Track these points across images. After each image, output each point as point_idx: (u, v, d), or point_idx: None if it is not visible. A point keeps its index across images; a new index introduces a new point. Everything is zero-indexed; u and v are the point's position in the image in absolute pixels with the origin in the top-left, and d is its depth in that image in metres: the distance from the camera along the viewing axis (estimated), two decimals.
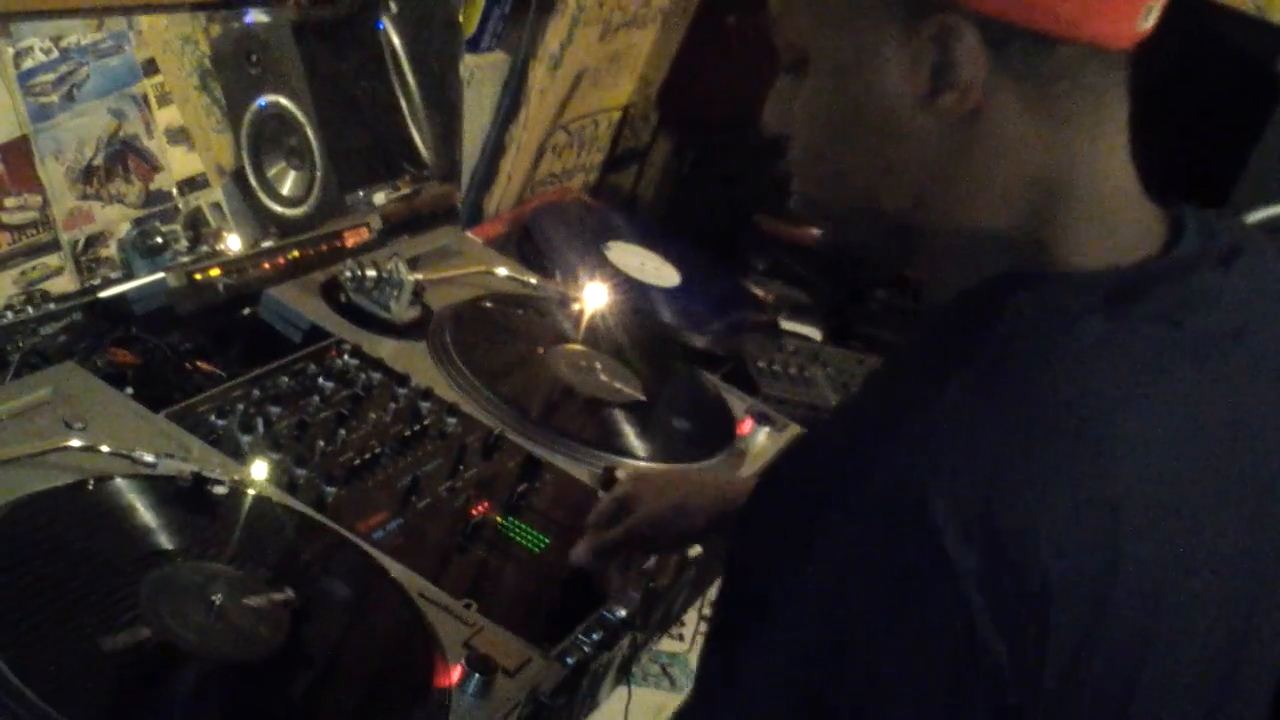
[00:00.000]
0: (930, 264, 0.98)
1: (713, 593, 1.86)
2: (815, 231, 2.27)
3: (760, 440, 1.84)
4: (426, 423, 1.55)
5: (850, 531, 0.80)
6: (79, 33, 1.60)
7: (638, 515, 1.43)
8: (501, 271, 2.01)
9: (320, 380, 1.54)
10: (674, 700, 1.67)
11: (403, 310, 1.74)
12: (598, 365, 1.83)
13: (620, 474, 1.56)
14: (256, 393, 1.47)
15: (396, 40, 2.06)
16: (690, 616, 1.79)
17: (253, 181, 1.86)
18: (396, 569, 1.30)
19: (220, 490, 1.27)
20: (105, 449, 1.26)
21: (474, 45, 2.28)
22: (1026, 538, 0.79)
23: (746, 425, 1.85)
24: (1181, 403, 0.87)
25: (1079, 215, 0.91)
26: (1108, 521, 0.81)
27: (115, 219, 1.68)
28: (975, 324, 0.88)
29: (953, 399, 0.83)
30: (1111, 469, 0.82)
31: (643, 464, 1.65)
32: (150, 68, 1.71)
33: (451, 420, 1.57)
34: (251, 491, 1.30)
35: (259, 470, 1.34)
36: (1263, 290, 0.93)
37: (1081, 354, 0.85)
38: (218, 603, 1.13)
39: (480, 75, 2.31)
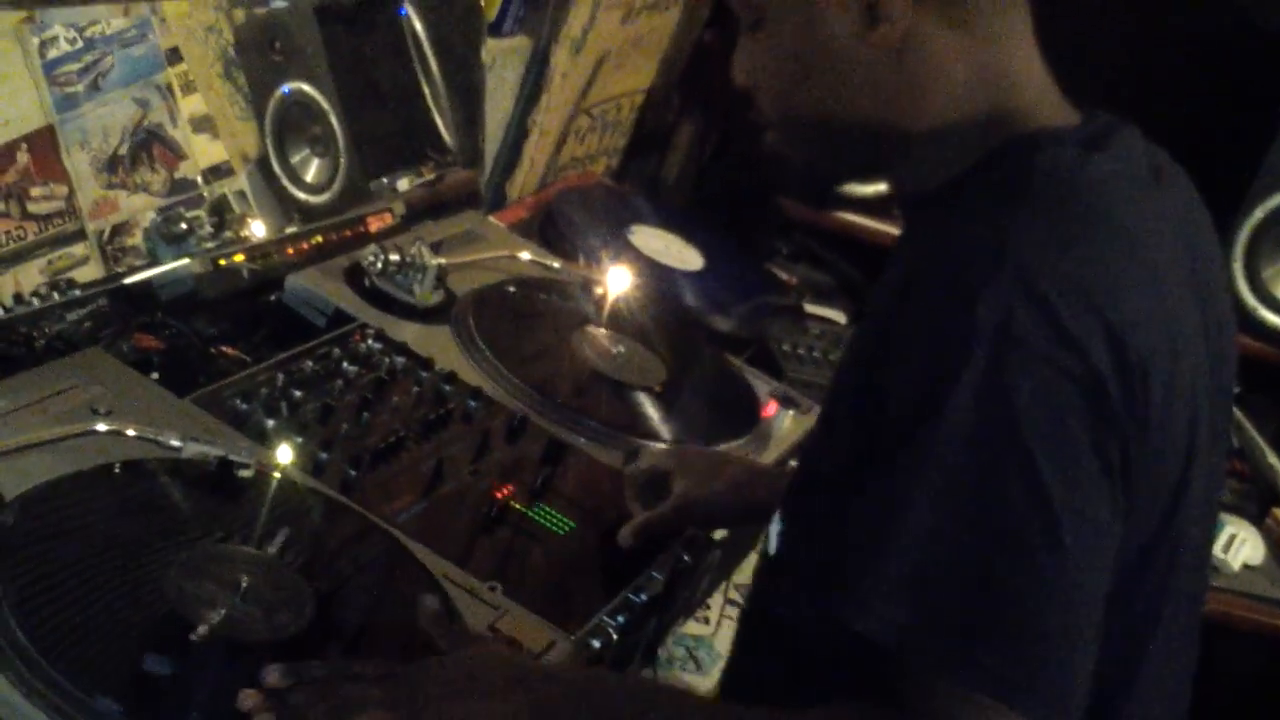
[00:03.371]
0: (902, 168, 1.17)
1: (737, 577, 1.86)
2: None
3: (785, 424, 1.83)
4: (450, 406, 1.55)
5: (988, 359, 0.94)
6: (103, 21, 1.61)
7: (681, 494, 1.47)
8: (525, 256, 2.01)
9: (344, 364, 1.55)
10: (700, 683, 1.67)
11: (426, 294, 1.74)
12: (621, 349, 1.83)
13: (642, 452, 1.57)
14: (281, 377, 1.48)
15: (419, 25, 2.06)
16: (715, 599, 1.79)
17: (277, 169, 1.87)
18: (421, 552, 1.31)
19: (245, 474, 1.27)
20: (131, 433, 1.27)
21: (496, 29, 2.28)
22: (1123, 320, 0.98)
23: (771, 408, 1.84)
24: (1166, 217, 1.11)
25: (1029, 96, 1.11)
26: (1167, 310, 1.05)
27: (141, 208, 1.69)
28: (1015, 179, 1.05)
29: (1031, 233, 1.00)
30: (1162, 274, 1.06)
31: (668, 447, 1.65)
32: (174, 56, 1.72)
33: (475, 404, 1.58)
34: (277, 475, 1.31)
35: (284, 454, 1.35)
36: (1145, 150, 1.15)
37: (1104, 183, 1.06)
38: (244, 585, 1.13)
39: (502, 60, 2.31)
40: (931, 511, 0.93)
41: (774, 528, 1.19)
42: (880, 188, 2.79)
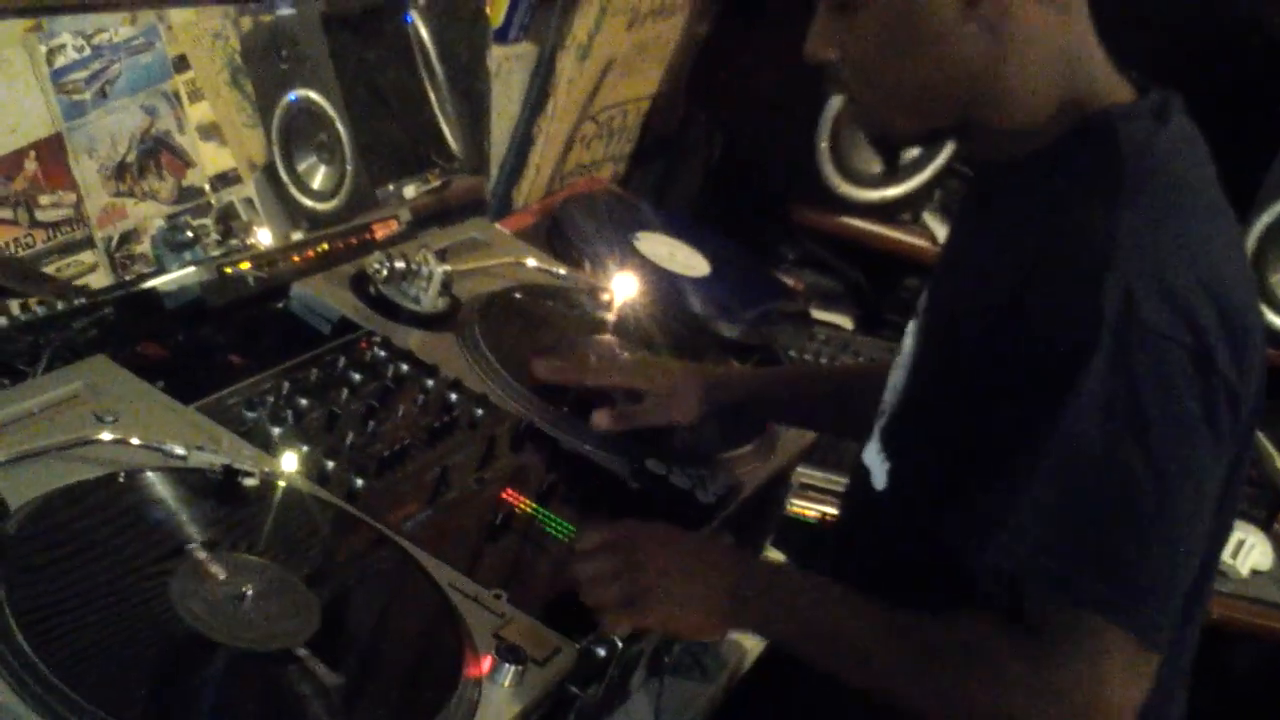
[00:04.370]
0: (983, 135, 1.28)
1: None
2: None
3: (791, 430, 1.83)
4: (456, 414, 1.55)
5: (1114, 339, 1.10)
6: (111, 29, 1.61)
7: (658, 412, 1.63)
8: (530, 263, 2.01)
9: (350, 372, 1.55)
10: (705, 691, 1.67)
11: (432, 302, 1.74)
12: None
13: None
14: (286, 385, 1.48)
15: (425, 32, 2.07)
16: None
17: (284, 176, 1.87)
18: (427, 560, 1.31)
19: (251, 482, 1.28)
20: (136, 441, 1.27)
21: (501, 36, 2.28)
22: (1223, 288, 1.15)
23: None
24: (1217, 178, 1.26)
25: (1101, 72, 1.24)
26: (1246, 266, 1.25)
27: (148, 215, 1.69)
28: (1107, 159, 1.19)
29: (1136, 217, 1.14)
30: (1235, 235, 1.25)
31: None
32: (181, 64, 1.72)
33: (480, 411, 1.58)
34: (282, 483, 1.31)
35: (289, 462, 1.35)
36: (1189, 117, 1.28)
37: (1178, 153, 1.22)
38: (249, 594, 1.13)
39: (508, 66, 2.31)
40: (1062, 469, 1.11)
41: (877, 464, 1.35)
42: (886, 193, 2.79)
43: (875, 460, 1.36)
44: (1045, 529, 1.12)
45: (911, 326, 1.40)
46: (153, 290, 1.60)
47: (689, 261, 2.39)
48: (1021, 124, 1.25)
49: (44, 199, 1.56)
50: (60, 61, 1.56)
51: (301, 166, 1.90)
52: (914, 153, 2.73)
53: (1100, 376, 1.10)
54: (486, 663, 1.19)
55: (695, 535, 1.45)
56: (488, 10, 2.19)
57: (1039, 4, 1.21)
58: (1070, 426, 1.11)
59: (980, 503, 1.16)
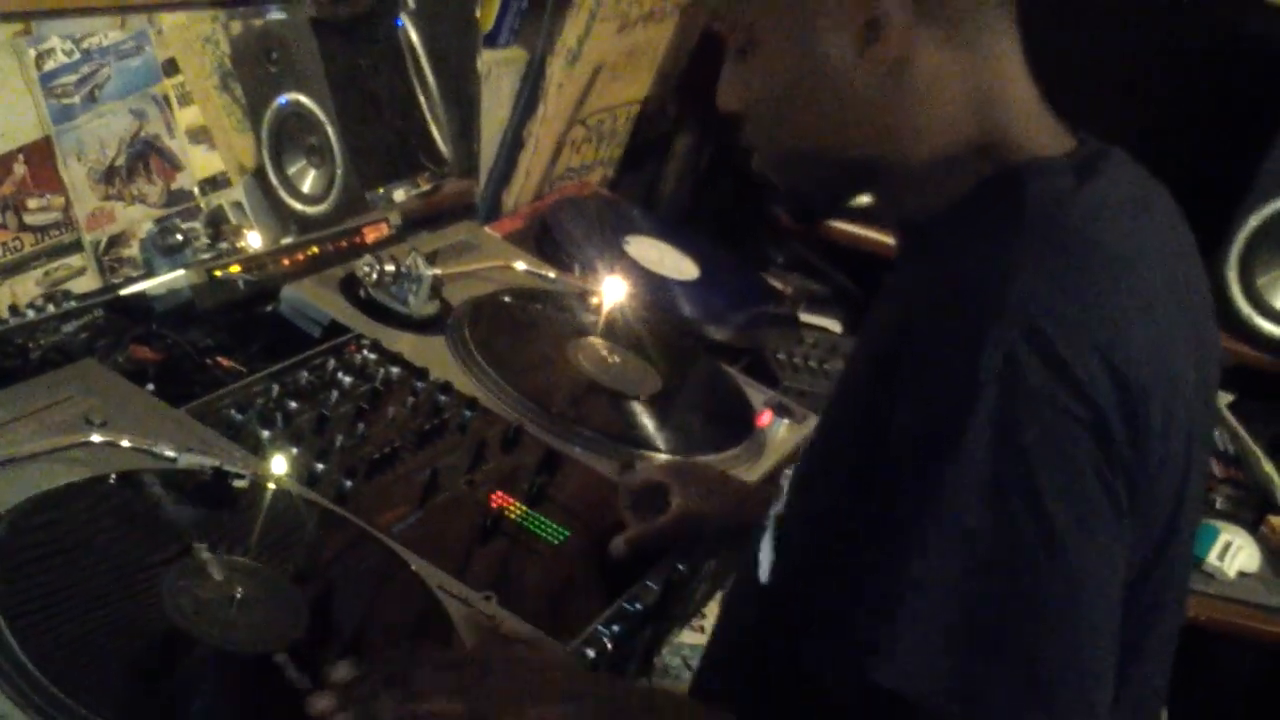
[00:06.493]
0: (893, 190, 1.16)
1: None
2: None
3: (780, 433, 1.84)
4: (445, 416, 1.56)
5: (995, 405, 0.93)
6: (100, 33, 1.61)
7: (679, 509, 1.49)
8: (520, 266, 2.02)
9: (339, 375, 1.55)
10: None
11: (421, 305, 1.74)
12: (617, 359, 1.84)
13: (639, 464, 1.58)
14: (276, 388, 1.48)
15: (415, 36, 2.07)
16: (711, 608, 1.79)
17: (273, 180, 1.87)
18: (417, 562, 1.31)
19: (241, 484, 1.28)
20: (126, 444, 1.27)
21: (491, 40, 2.29)
22: (1124, 354, 0.98)
23: (765, 417, 1.85)
24: (1155, 240, 1.10)
25: (1021, 121, 1.10)
26: (1162, 335, 1.04)
27: (137, 219, 1.69)
28: (1009, 213, 1.04)
29: (1029, 272, 0.98)
30: (1155, 301, 1.05)
31: (663, 456, 1.65)
32: (171, 68, 1.72)
33: (470, 414, 1.58)
34: (271, 485, 1.31)
35: (279, 464, 1.35)
36: (1134, 175, 1.14)
37: (1096, 212, 1.05)
38: (238, 597, 1.13)
39: (498, 71, 2.31)
40: (951, 567, 0.93)
41: (764, 556, 1.18)
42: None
43: (765, 547, 1.19)
44: (938, 639, 0.92)
45: None
46: (142, 294, 1.60)
47: (678, 265, 2.40)
48: (929, 180, 1.11)
49: (32, 202, 1.56)
50: (50, 65, 1.56)
51: (291, 170, 1.90)
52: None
53: (979, 446, 0.93)
54: None
55: (548, 659, 1.23)
56: (478, 14, 2.19)
57: (940, 46, 1.08)
58: (952, 509, 0.93)
59: (867, 615, 0.95)
